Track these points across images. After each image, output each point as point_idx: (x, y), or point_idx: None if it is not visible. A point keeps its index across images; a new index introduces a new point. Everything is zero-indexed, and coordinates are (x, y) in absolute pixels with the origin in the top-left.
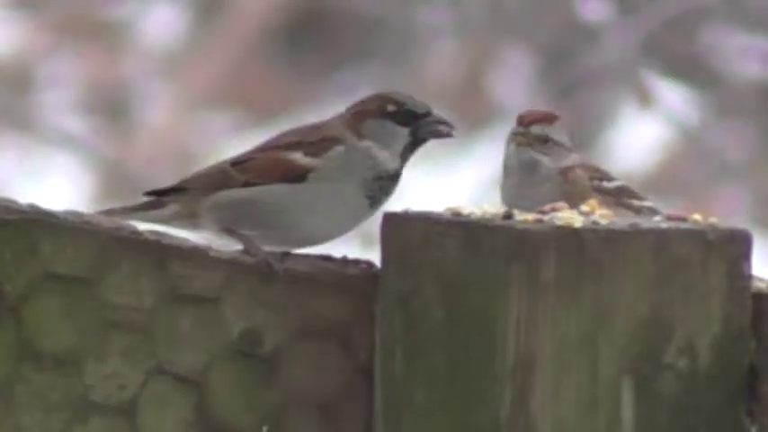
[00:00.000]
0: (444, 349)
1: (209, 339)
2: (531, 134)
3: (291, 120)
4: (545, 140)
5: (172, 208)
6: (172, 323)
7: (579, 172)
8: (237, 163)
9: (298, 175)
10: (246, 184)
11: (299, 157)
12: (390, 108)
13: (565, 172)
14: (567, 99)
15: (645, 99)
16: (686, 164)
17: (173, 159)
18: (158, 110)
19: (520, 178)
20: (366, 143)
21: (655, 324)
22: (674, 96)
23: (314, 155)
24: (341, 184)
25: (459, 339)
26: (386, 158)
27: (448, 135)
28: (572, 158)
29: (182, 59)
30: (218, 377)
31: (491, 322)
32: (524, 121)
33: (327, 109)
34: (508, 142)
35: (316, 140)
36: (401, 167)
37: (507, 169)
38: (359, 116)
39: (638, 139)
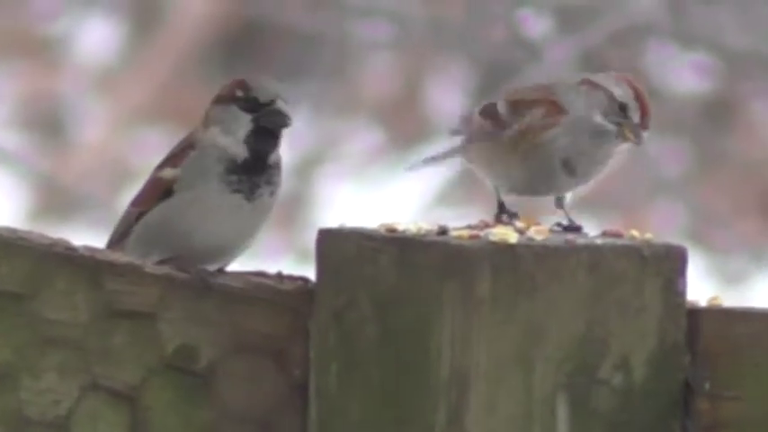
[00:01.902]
0: (379, 365)
1: (144, 355)
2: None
3: None
4: None
5: None
6: (107, 339)
7: None
8: (133, 200)
9: (168, 190)
10: (139, 217)
11: (167, 172)
12: (238, 93)
13: None
14: None
15: None
16: (623, 178)
17: (108, 175)
18: (94, 125)
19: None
20: (211, 130)
21: (590, 340)
22: None
23: (175, 165)
24: (203, 187)
25: (394, 355)
26: (229, 144)
27: (284, 125)
28: None
29: (117, 75)
30: (152, 393)
31: (425, 338)
32: (647, 124)
33: None
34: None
35: (179, 150)
36: (253, 157)
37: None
38: (212, 103)
39: None
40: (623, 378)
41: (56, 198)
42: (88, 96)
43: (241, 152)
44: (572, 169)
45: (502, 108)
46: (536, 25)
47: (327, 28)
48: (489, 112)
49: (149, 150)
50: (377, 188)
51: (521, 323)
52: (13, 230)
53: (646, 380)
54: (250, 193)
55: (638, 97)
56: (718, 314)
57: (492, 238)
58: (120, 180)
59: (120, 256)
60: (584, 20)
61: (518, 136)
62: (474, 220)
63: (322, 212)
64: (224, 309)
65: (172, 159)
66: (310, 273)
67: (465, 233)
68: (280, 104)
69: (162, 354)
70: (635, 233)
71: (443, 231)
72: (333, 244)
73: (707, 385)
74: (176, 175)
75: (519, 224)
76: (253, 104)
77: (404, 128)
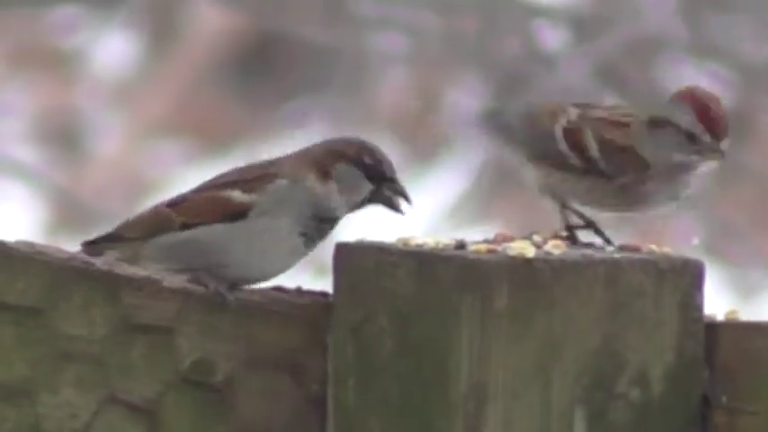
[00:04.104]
0: (397, 379)
1: (161, 369)
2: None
3: (244, 149)
4: None
5: (110, 255)
6: (124, 353)
7: None
8: (173, 204)
9: (237, 213)
10: (184, 226)
11: (236, 194)
12: (367, 160)
13: None
14: None
15: None
16: None
17: (125, 188)
18: (110, 139)
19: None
20: (331, 185)
21: (607, 354)
22: None
23: (251, 191)
24: (277, 219)
25: (412, 369)
26: (340, 204)
27: (398, 211)
28: None
29: (134, 88)
30: (170, 407)
31: (443, 352)
32: (722, 135)
33: (280, 137)
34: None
35: (254, 177)
36: (346, 214)
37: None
38: (334, 156)
39: None
40: (641, 392)
41: (72, 212)
42: (105, 110)
43: (341, 213)
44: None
45: (592, 147)
46: (551, 37)
47: (343, 41)
48: (576, 145)
49: (166, 164)
50: None
51: (538, 337)
52: (31, 245)
53: (663, 394)
54: (312, 241)
55: (702, 114)
56: (735, 328)
57: (510, 252)
58: (137, 194)
59: (137, 270)
60: (599, 31)
61: (617, 189)
62: (490, 234)
63: (339, 226)
64: (241, 323)
65: (244, 183)
66: (328, 287)
67: (483, 247)
68: (401, 185)
69: (179, 368)
70: (653, 247)
71: (461, 245)
72: (350, 258)
73: (724, 399)
74: (254, 200)
75: (536, 238)
76: (377, 175)
77: (420, 140)
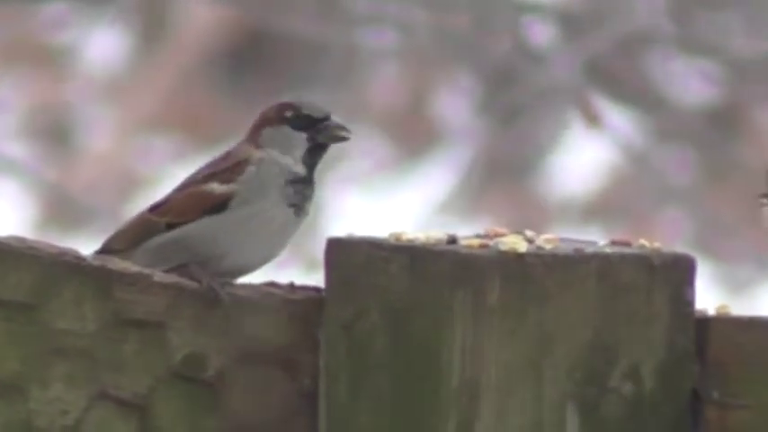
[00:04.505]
0: (389, 374)
1: (152, 364)
2: None
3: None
4: None
5: None
6: (115, 348)
7: None
8: (156, 208)
9: (218, 205)
10: (169, 226)
11: (215, 186)
12: (288, 113)
13: None
14: (512, 122)
15: (590, 122)
16: (630, 187)
17: (115, 184)
18: (101, 135)
19: None
20: (268, 151)
21: (599, 349)
22: (619, 120)
23: (229, 181)
24: (262, 202)
25: (404, 364)
26: (289, 163)
27: (344, 139)
28: None
29: (124, 84)
30: (161, 402)
31: (436, 347)
32: None
33: None
34: None
35: (228, 167)
36: (308, 173)
37: None
38: (257, 127)
39: (582, 162)
40: (633, 387)
41: (63, 207)
42: (96, 106)
43: (300, 170)
44: None
45: None
46: (541, 33)
47: (334, 36)
48: None
49: (157, 159)
50: (384, 197)
51: (530, 332)
52: (22, 240)
53: (655, 389)
54: (301, 206)
55: None
56: (726, 323)
57: (502, 247)
58: (128, 189)
59: (129, 266)
60: (588, 28)
61: None
62: (481, 229)
63: (330, 221)
64: (233, 318)
65: (219, 175)
66: (320, 282)
67: (475, 242)
68: (335, 119)
69: (170, 363)
70: (644, 242)
71: (453, 240)
72: (342, 253)
73: (716, 394)
74: (232, 190)
75: (529, 232)
76: (305, 122)
77: (410, 136)
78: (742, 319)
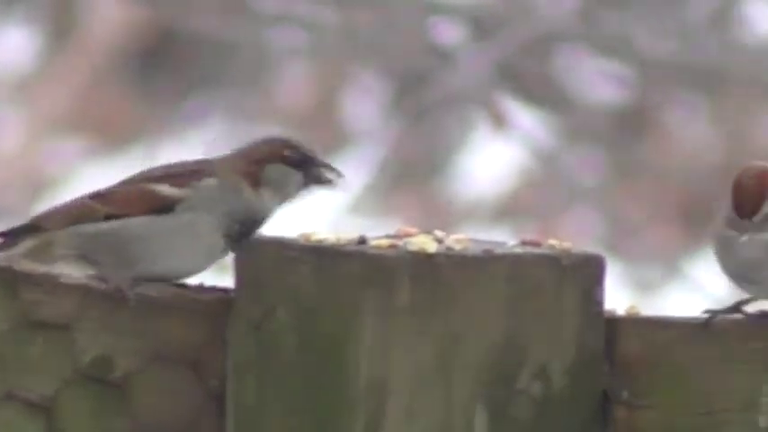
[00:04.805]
0: (298, 375)
1: (59, 365)
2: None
3: (144, 145)
4: None
5: (26, 244)
6: (23, 349)
7: None
8: (97, 196)
9: (163, 207)
10: (108, 217)
11: (165, 188)
12: (288, 153)
13: None
14: (421, 123)
15: (498, 123)
16: (540, 188)
17: (24, 185)
18: (9, 135)
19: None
20: (263, 190)
21: (509, 349)
22: (527, 120)
23: (181, 186)
24: (202, 217)
25: (313, 365)
26: (270, 205)
27: (332, 185)
28: None
29: (33, 84)
30: (68, 403)
31: (344, 348)
32: (745, 213)
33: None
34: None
35: (183, 173)
36: (276, 210)
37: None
38: (259, 162)
39: (491, 162)
40: (542, 387)
41: None
42: (3, 106)
43: (269, 212)
44: None
45: None
46: (449, 33)
47: (242, 37)
48: None
49: (65, 161)
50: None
51: (439, 332)
52: None
53: (564, 389)
54: (234, 242)
55: (733, 192)
56: (635, 323)
57: (411, 247)
58: (36, 190)
59: (36, 267)
60: (497, 28)
61: None
62: (391, 230)
63: None
64: (141, 318)
65: (174, 178)
66: (230, 283)
67: (384, 242)
68: (325, 161)
69: (77, 364)
70: (553, 242)
71: (362, 241)
72: (251, 253)
73: (625, 394)
74: (182, 195)
75: (438, 233)
76: (302, 161)
77: (318, 136)
78: (650, 319)
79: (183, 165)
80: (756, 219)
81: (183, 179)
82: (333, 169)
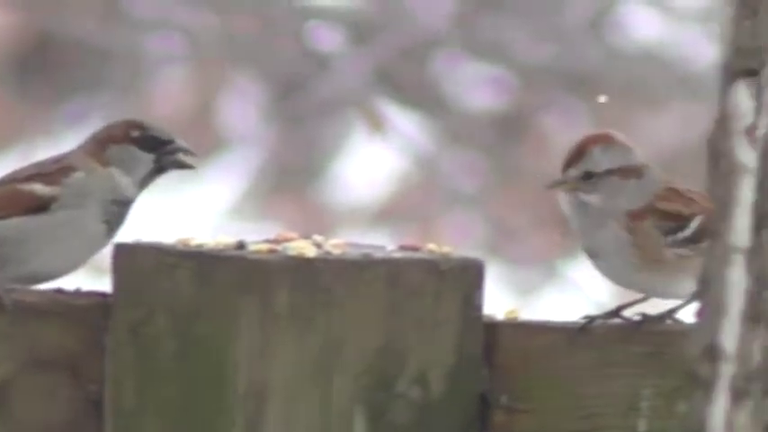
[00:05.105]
0: (176, 380)
1: None
2: (570, 179)
3: (21, 148)
4: (588, 176)
5: None
6: None
7: (648, 224)
8: None
9: (39, 206)
10: None
11: (38, 187)
12: (134, 133)
13: (633, 218)
14: (300, 127)
15: (377, 128)
16: (418, 192)
17: None
18: None
19: (580, 223)
20: (109, 170)
21: (388, 353)
22: (406, 125)
23: (53, 183)
24: (81, 210)
25: (192, 370)
26: (127, 184)
27: (190, 166)
28: (645, 190)
29: None
30: None
31: (223, 352)
32: (564, 166)
33: (59, 138)
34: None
35: (52, 171)
36: (138, 194)
37: (568, 218)
38: (103, 143)
39: (370, 167)
40: (421, 391)
41: None
42: None
43: (131, 193)
44: None
45: None
46: (326, 38)
47: (120, 41)
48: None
49: None
50: (173, 202)
51: (318, 337)
52: None
53: (443, 393)
54: (113, 229)
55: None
56: (514, 328)
57: (290, 252)
58: None
59: None
60: (374, 32)
61: None
62: (271, 234)
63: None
64: (18, 324)
65: (45, 177)
66: (107, 288)
67: (263, 247)
68: (181, 142)
69: None
70: (433, 247)
71: (241, 245)
72: (129, 259)
73: (504, 398)
74: (56, 193)
75: (317, 237)
76: (152, 143)
77: (197, 140)
78: (529, 324)
79: (49, 162)
80: (572, 173)
81: (53, 177)
82: (190, 152)
